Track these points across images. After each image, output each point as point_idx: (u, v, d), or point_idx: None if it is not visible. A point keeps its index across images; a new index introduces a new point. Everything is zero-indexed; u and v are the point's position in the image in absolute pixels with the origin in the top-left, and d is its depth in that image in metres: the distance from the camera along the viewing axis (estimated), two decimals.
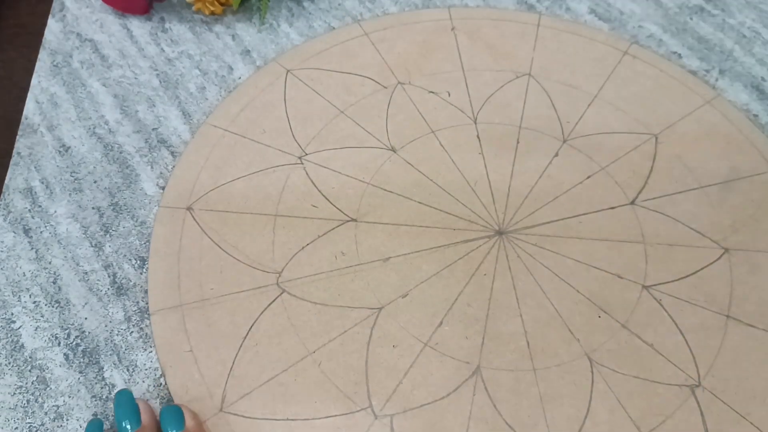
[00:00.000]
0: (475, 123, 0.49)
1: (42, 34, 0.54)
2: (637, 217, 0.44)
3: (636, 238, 0.44)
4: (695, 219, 0.44)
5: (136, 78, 0.51)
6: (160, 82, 0.51)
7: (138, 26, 0.54)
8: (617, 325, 0.41)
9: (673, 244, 0.43)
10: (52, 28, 0.54)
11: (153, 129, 0.48)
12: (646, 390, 0.38)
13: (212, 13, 0.54)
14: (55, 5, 0.56)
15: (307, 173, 0.46)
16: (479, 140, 0.48)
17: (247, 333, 0.40)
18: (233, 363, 0.39)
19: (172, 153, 0.47)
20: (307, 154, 0.47)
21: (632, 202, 0.45)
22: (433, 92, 0.50)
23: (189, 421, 0.36)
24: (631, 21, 0.55)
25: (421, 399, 0.38)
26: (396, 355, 0.40)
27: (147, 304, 0.41)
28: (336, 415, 0.38)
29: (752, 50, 0.53)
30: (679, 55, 0.53)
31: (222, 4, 0.54)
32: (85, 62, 0.52)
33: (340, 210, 0.45)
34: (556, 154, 0.47)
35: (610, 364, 0.39)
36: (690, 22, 0.54)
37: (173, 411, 0.36)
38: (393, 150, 0.47)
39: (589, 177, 0.46)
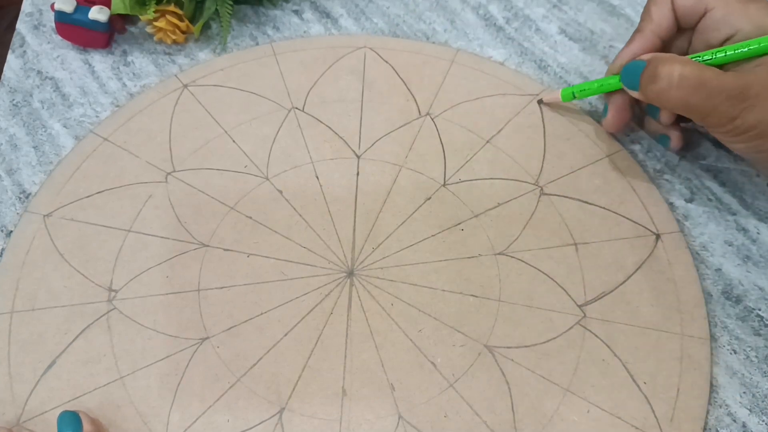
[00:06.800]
0: (359, 158, 0.48)
1: (1, 71, 0.52)
2: (498, 265, 0.43)
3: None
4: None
5: (97, 116, 0.50)
6: None
7: (100, 60, 0.53)
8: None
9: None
10: (12, 64, 0.53)
11: None
12: None
13: (174, 42, 0.53)
14: (15, 40, 0.54)
15: (168, 192, 0.45)
16: (357, 177, 0.47)
17: (66, 348, 0.40)
18: (40, 377, 0.39)
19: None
20: (176, 171, 0.46)
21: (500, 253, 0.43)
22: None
23: (87, 426, 0.35)
24: (602, 41, 0.54)
25: None
26: (206, 387, 0.39)
27: None
28: None
29: None
30: None
31: (183, 32, 0.53)
32: (45, 102, 0.51)
33: (190, 233, 0.44)
34: (429, 198, 0.46)
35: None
36: None
37: (69, 416, 0.35)
38: (266, 177, 0.46)
39: (458, 224, 0.44)
